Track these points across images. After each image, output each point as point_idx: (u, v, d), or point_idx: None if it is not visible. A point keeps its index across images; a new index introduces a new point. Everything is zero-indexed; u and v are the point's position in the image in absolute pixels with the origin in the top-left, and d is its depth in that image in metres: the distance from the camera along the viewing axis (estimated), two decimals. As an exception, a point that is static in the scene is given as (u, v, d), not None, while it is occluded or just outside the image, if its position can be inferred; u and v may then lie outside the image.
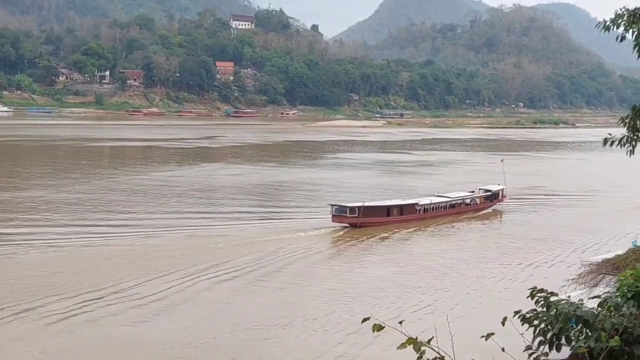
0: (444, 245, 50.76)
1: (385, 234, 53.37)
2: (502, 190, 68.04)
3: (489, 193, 67.04)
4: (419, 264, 43.62)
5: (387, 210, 57.77)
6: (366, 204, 56.03)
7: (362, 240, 51.17)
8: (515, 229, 58.07)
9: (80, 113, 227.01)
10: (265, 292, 36.81)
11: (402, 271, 41.71)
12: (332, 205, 55.54)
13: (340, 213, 54.63)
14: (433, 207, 60.44)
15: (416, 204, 59.54)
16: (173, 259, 41.80)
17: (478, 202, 65.80)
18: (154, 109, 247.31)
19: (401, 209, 58.41)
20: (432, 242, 52.50)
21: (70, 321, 30.59)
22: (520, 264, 44.14)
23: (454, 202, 63.37)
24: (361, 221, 54.38)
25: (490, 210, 66.25)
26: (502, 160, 76.01)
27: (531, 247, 49.41)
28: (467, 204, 64.75)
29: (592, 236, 53.15)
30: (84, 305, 32.55)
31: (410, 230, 55.49)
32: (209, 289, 36.41)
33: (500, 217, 64.76)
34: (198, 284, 37.10)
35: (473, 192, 67.32)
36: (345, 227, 54.41)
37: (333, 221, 54.47)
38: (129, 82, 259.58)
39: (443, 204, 61.89)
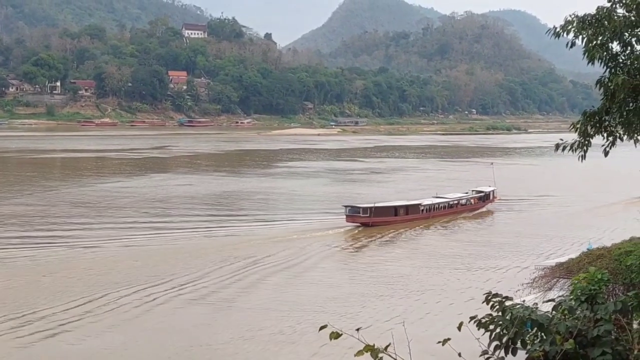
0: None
1: (394, 233, 56.83)
2: (493, 191, 72.09)
3: (482, 194, 71.20)
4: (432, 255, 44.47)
5: (395, 210, 61.55)
6: (377, 204, 59.65)
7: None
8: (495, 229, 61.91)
9: (31, 124, 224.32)
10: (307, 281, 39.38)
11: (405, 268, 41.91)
12: (346, 206, 59.30)
13: (353, 213, 58.30)
14: (434, 207, 64.72)
15: (420, 204, 63.68)
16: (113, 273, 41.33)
17: (473, 202, 69.76)
18: (106, 120, 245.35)
19: (407, 209, 62.29)
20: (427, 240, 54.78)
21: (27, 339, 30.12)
22: (482, 268, 44.58)
23: (452, 203, 67.36)
24: (372, 220, 57.88)
25: (484, 209, 70.20)
26: (492, 164, 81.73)
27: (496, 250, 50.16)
28: (463, 205, 68.58)
29: (551, 239, 53.74)
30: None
31: (416, 228, 59.26)
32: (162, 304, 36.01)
33: (492, 216, 68.60)
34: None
35: (467, 193, 71.23)
36: (358, 226, 57.76)
37: (347, 221, 57.97)
38: (80, 92, 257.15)
39: (443, 204, 66.02)
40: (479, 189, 72.50)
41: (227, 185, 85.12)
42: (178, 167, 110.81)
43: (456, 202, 68.16)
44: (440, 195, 68.19)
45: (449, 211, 66.22)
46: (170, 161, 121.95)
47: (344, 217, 58.54)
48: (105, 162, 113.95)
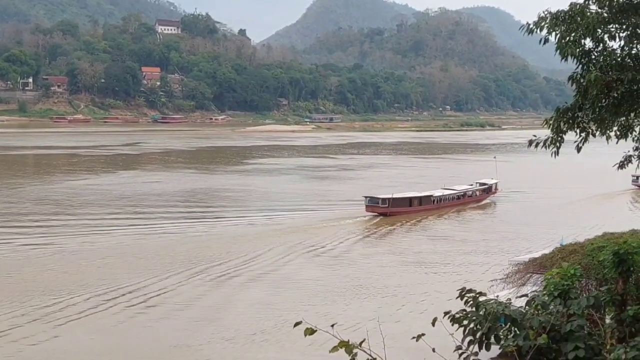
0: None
1: (409, 223, 60.42)
2: (496, 184, 75.87)
3: (486, 186, 74.75)
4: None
5: (410, 201, 65.19)
6: (394, 195, 63.37)
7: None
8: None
9: (2, 121, 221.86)
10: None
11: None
12: (366, 197, 62.90)
13: (373, 204, 62.17)
14: (444, 199, 68.61)
15: (431, 195, 67.32)
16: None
17: (478, 194, 73.51)
18: (79, 116, 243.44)
19: (420, 200, 65.96)
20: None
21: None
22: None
23: (459, 194, 71.08)
24: (390, 210, 61.68)
25: (488, 200, 74.00)
26: (494, 157, 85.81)
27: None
28: (469, 196, 72.20)
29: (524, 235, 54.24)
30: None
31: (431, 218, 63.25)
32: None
33: (495, 206, 72.46)
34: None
35: (472, 185, 74.59)
36: (377, 215, 61.31)
37: (367, 211, 61.82)
38: (53, 88, 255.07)
39: (451, 196, 69.85)
40: (482, 181, 75.90)
41: (195, 183, 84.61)
42: (147, 164, 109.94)
43: (463, 194, 71.67)
44: (449, 187, 71.51)
45: (457, 202, 69.96)
46: (140, 158, 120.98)
47: (364, 207, 62.09)
48: (74, 159, 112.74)
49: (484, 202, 73.42)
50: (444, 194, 69.25)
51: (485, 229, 58.84)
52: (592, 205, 71.70)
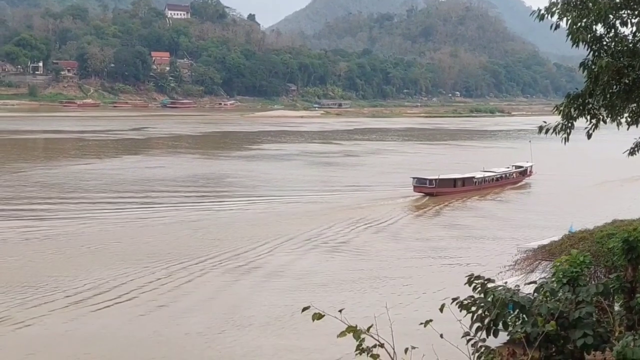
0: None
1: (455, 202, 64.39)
2: (531, 166, 79.83)
3: (522, 169, 79.08)
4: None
5: (454, 182, 68.91)
6: (441, 176, 66.99)
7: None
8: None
9: (13, 105, 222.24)
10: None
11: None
12: (414, 178, 66.49)
13: (420, 184, 65.70)
14: (485, 180, 72.15)
15: (473, 177, 71.06)
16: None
17: (515, 176, 77.74)
18: (89, 100, 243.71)
19: (463, 181, 69.64)
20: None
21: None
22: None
23: (498, 176, 74.80)
24: (436, 191, 65.32)
25: (523, 182, 78.23)
26: (529, 141, 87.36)
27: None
28: (507, 178, 76.14)
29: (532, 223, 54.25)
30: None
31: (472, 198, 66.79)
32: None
33: (530, 188, 76.89)
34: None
35: (509, 168, 78.39)
36: (424, 195, 65.11)
37: (414, 191, 65.44)
38: (63, 73, 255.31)
39: (492, 178, 73.58)
40: (518, 164, 79.54)
41: (198, 168, 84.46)
42: (152, 149, 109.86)
43: (502, 175, 75.37)
44: (488, 170, 74.90)
45: (497, 184, 73.53)
46: (144, 143, 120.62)
47: (412, 187, 65.75)
48: (80, 144, 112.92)
49: (520, 183, 77.30)
50: (485, 175, 72.51)
51: (524, 208, 63.30)
52: (574, 197, 71.34)
